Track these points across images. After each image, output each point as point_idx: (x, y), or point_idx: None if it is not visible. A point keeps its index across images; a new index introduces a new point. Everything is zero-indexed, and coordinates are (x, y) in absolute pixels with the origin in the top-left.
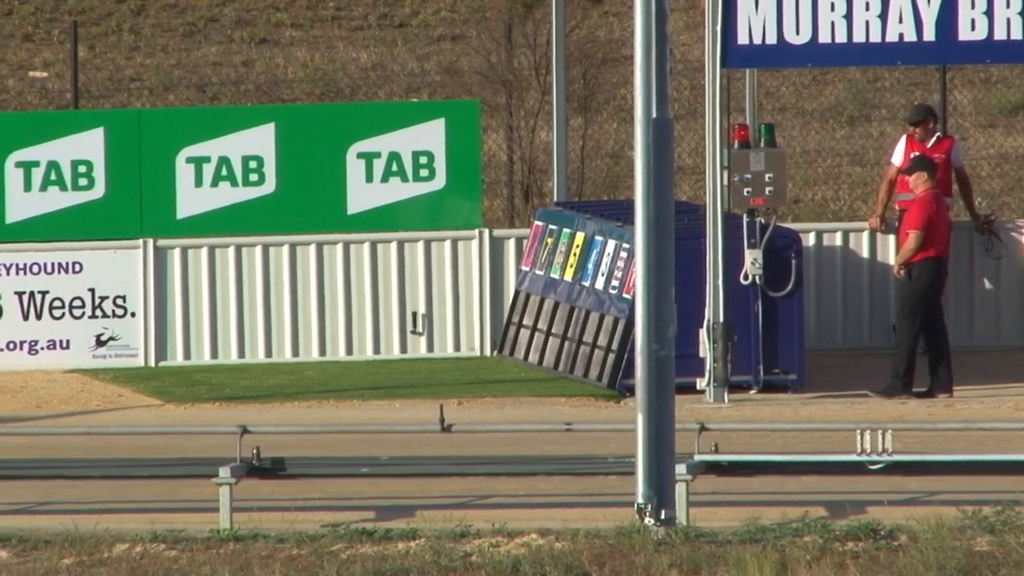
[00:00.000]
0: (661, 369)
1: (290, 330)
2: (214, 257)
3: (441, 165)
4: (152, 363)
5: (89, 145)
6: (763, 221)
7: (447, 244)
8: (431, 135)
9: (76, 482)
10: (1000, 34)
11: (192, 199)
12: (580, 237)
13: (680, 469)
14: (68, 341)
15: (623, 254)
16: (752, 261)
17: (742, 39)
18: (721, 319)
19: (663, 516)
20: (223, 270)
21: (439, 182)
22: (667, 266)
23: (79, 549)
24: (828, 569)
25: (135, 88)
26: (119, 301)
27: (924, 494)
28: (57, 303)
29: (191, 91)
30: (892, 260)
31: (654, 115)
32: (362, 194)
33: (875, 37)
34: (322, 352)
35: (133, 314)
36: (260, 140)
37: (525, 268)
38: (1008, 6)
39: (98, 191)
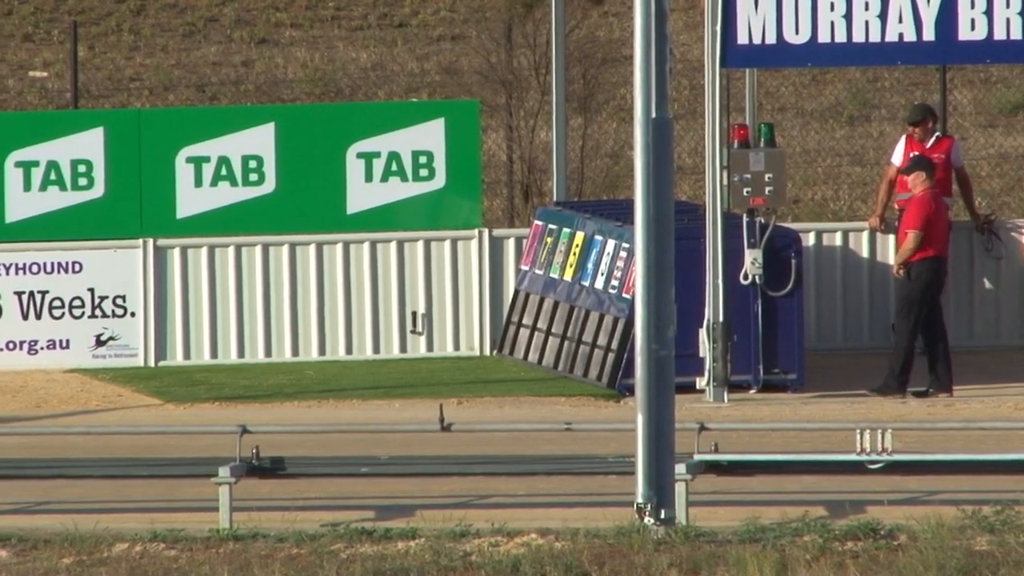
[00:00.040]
0: (661, 369)
1: (290, 330)
2: (214, 257)
3: (441, 165)
4: (152, 363)
5: (89, 145)
6: (763, 221)
7: (447, 244)
8: (431, 135)
9: (76, 482)
10: (1000, 34)
11: (192, 199)
12: (580, 237)
13: (680, 469)
14: (68, 341)
15: (623, 254)
16: (752, 261)
17: (742, 39)
18: (721, 319)
19: (663, 516)
20: (223, 270)
21: (439, 182)
22: (667, 266)
23: (79, 549)
24: (828, 569)
25: (135, 88)
26: (119, 301)
27: (924, 494)
28: (57, 303)
29: (191, 91)
30: (892, 260)
31: (654, 115)
32: (362, 194)
33: (875, 37)
34: (322, 352)
35: (133, 314)
36: (260, 140)
37: (525, 268)
38: (1008, 6)
39: (98, 191)
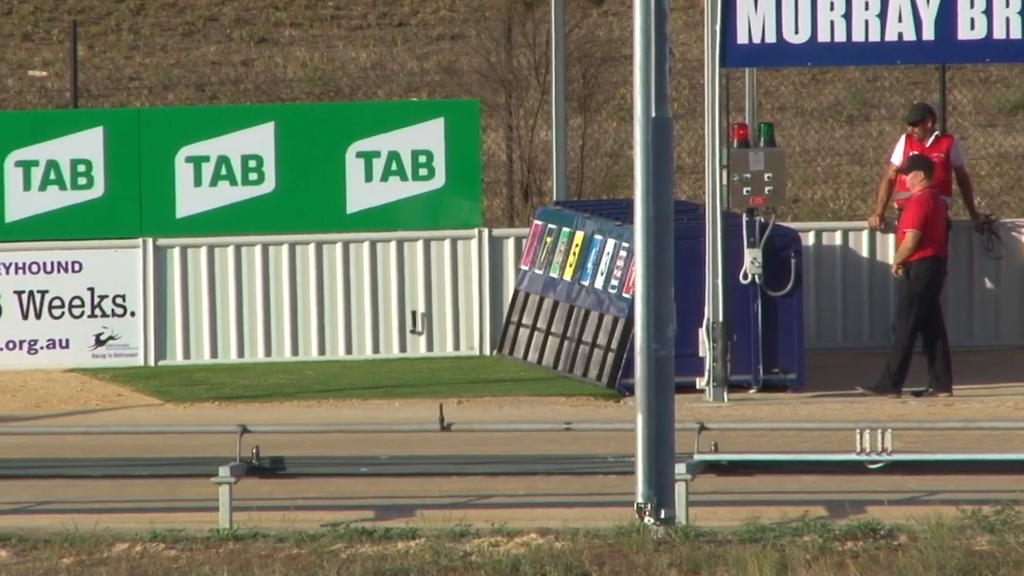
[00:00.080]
0: (661, 368)
1: (289, 329)
2: (213, 256)
3: (440, 164)
4: (151, 362)
5: (88, 144)
6: (762, 220)
7: (446, 243)
8: (430, 134)
9: (76, 481)
10: (999, 33)
11: (191, 198)
12: (579, 236)
13: (680, 468)
14: (67, 340)
15: (622, 253)
16: (751, 260)
17: (741, 38)
18: (720, 318)
19: (663, 515)
20: (222, 269)
21: (438, 181)
22: (666, 265)
23: (79, 548)
24: (828, 569)
25: (134, 87)
26: (118, 300)
27: (924, 493)
28: (56, 302)
29: (190, 90)
30: (892, 259)
31: (653, 114)
32: (361, 193)
33: (874, 36)
34: (321, 351)
35: (133, 313)
36: (259, 139)
37: (524, 267)
38: (1007, 5)
39: (97, 190)
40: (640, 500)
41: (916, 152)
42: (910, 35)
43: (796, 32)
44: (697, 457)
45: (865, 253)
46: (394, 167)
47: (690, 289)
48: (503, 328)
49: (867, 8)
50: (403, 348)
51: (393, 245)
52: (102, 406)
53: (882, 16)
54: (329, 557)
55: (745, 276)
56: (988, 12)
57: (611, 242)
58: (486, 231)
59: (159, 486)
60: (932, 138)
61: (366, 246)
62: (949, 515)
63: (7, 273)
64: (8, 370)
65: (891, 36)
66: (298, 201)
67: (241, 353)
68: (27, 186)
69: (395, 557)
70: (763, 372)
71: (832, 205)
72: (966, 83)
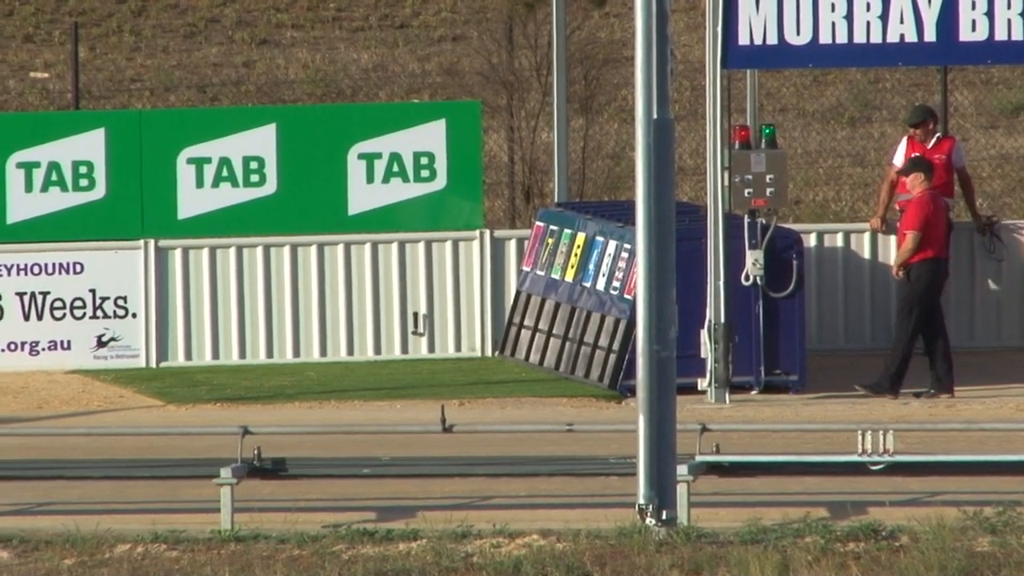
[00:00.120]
0: (662, 370)
1: (291, 331)
2: (215, 258)
3: (442, 166)
4: (153, 364)
5: (90, 146)
6: (764, 222)
7: (448, 245)
8: (432, 136)
9: (77, 483)
10: (1001, 35)
11: (193, 200)
12: (581, 238)
13: (681, 470)
14: (69, 342)
15: (624, 255)
16: (753, 262)
17: (743, 40)
18: (722, 320)
19: (664, 517)
20: (224, 271)
21: (440, 183)
22: (668, 267)
23: (80, 550)
24: (829, 570)
25: (136, 89)
26: (120, 302)
27: (925, 495)
28: (58, 304)
29: (192, 92)
30: (893, 261)
31: (655, 116)
32: (363, 195)
33: (876, 38)
34: (323, 353)
35: (134, 315)
36: (261, 141)
37: (526, 269)
38: (1009, 7)
39: (99, 192)
40: (642, 501)
41: (917, 154)
42: (912, 37)
43: (797, 33)
44: (699, 458)
45: (867, 255)
46: (396, 168)
47: (692, 291)
48: (505, 329)
49: (869, 9)
50: (405, 349)
51: (395, 246)
52: (104, 407)
53: (884, 18)
54: (331, 558)
55: (747, 278)
56: (990, 14)
57: (613, 243)
58: (488, 232)
59: (161, 487)
60: (934, 140)
61: (368, 247)
62: (951, 516)
63: (9, 274)
64: (10, 371)
65: (893, 38)
66: (300, 202)
67: (243, 354)
68: (29, 188)
69: (397, 558)
70: (765, 373)
71: (834, 207)
72: (968, 85)
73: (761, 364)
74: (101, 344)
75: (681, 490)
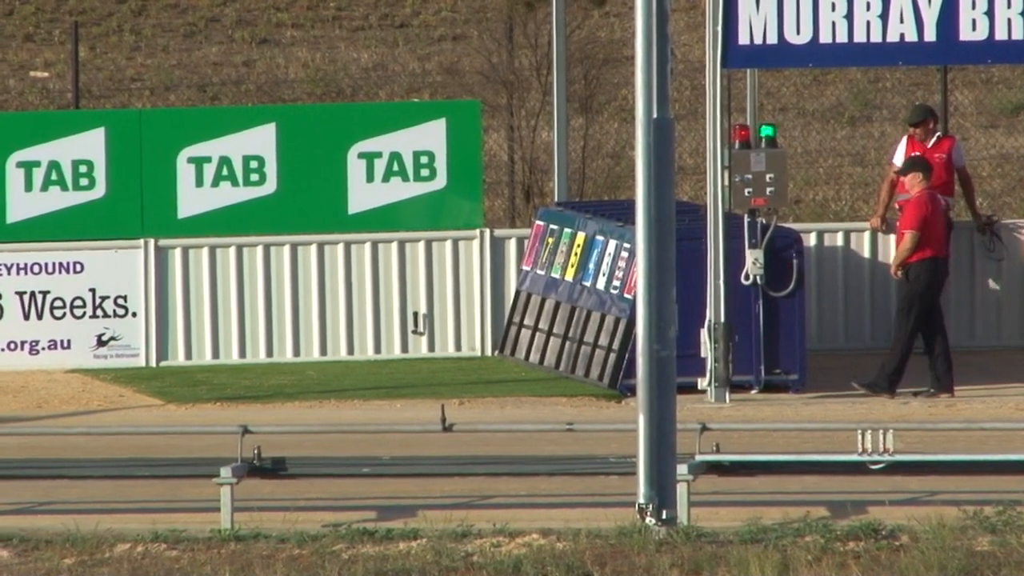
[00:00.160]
0: (662, 369)
1: (291, 330)
2: (215, 257)
3: (442, 165)
4: (153, 363)
5: (90, 145)
6: (764, 221)
7: (448, 244)
8: (432, 135)
9: (77, 482)
10: (1001, 34)
11: (193, 199)
12: (581, 237)
13: (681, 469)
14: (69, 341)
15: (624, 254)
16: (753, 261)
17: (743, 39)
18: (722, 319)
19: (664, 516)
20: (224, 270)
21: (440, 182)
22: (668, 266)
23: (80, 549)
24: (829, 569)
25: (136, 88)
26: (120, 301)
27: (925, 494)
28: (58, 303)
29: (192, 91)
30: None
31: (655, 115)
32: (363, 194)
33: (876, 37)
34: (323, 352)
35: (134, 314)
36: (261, 140)
37: (526, 268)
38: (1009, 6)
39: (99, 191)
40: (642, 501)
41: (916, 153)
42: (912, 36)
43: (798, 33)
44: (699, 458)
45: (867, 254)
46: (396, 168)
47: (692, 290)
48: (504, 329)
49: (869, 9)
50: (405, 349)
51: (395, 246)
52: (103, 407)
53: (884, 17)
54: (331, 558)
55: (747, 277)
56: (990, 13)
57: (612, 243)
58: (488, 232)
59: (161, 487)
60: (934, 139)
61: (368, 247)
62: (951, 516)
63: (9, 274)
64: (10, 371)
65: (893, 37)
66: (300, 202)
67: (243, 354)
68: (29, 187)
69: (397, 558)
70: (765, 373)
71: (834, 206)
72: (968, 84)
73: (761, 363)
74: (101, 343)
75: (681, 489)
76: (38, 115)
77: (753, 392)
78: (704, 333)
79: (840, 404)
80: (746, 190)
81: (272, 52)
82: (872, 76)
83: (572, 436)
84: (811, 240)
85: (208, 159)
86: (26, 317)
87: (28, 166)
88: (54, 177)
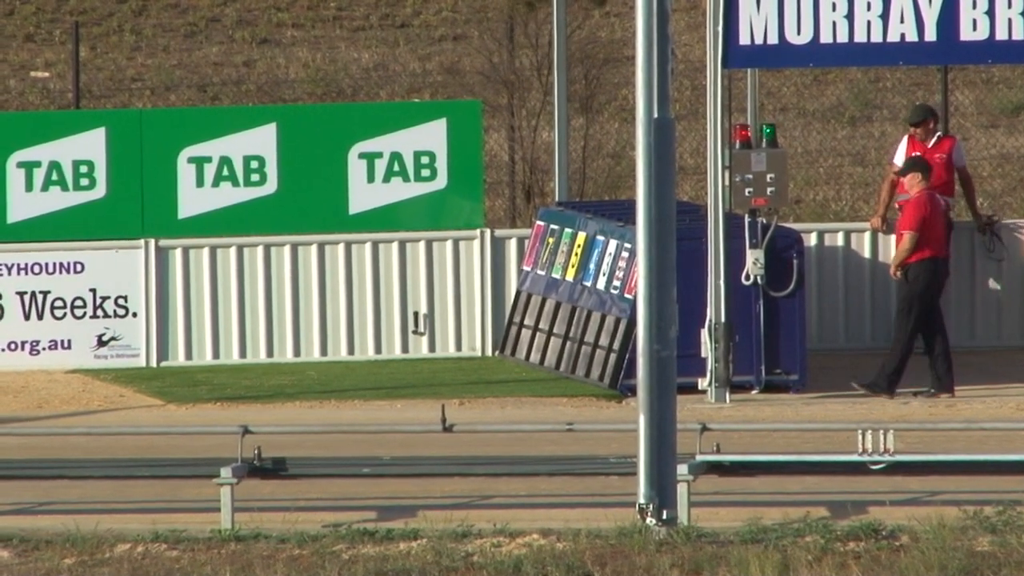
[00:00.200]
0: (663, 369)
1: (291, 330)
2: (215, 257)
3: (443, 165)
4: (153, 363)
5: (90, 145)
6: (764, 221)
7: (448, 244)
8: (433, 135)
9: (77, 482)
10: (1001, 34)
11: (193, 199)
12: (581, 237)
13: (682, 469)
14: (69, 341)
15: (624, 254)
16: (754, 261)
17: (743, 39)
18: (723, 319)
19: (665, 516)
20: (224, 270)
21: (440, 182)
22: (669, 266)
23: (80, 549)
24: (830, 569)
25: (136, 88)
26: (120, 301)
27: (926, 494)
28: (59, 303)
29: (192, 91)
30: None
31: (655, 115)
32: (364, 194)
33: (876, 37)
34: (323, 352)
35: (135, 314)
36: (262, 140)
37: (526, 268)
38: (1010, 6)
39: (99, 191)
40: (642, 501)
41: (915, 153)
42: (912, 36)
43: (798, 33)
44: (699, 458)
45: (867, 254)
46: (396, 168)
47: (692, 290)
48: (505, 329)
49: (869, 9)
50: (405, 349)
51: (395, 246)
52: (104, 407)
53: (884, 17)
54: (331, 558)
55: (747, 277)
56: (990, 13)
57: (613, 243)
58: (488, 232)
59: (161, 487)
60: (934, 139)
61: (368, 247)
62: (951, 516)
63: (9, 274)
64: (10, 371)
65: (893, 37)
66: (300, 202)
67: (243, 354)
68: (29, 187)
69: (397, 558)
70: (765, 373)
71: (834, 206)
72: (968, 84)
73: (761, 363)
74: (101, 343)
75: (681, 490)
76: (39, 115)
77: (753, 392)
78: (704, 333)
79: (840, 404)
80: (747, 190)
81: (273, 52)
82: (872, 76)
83: (572, 436)
84: (811, 240)
85: (209, 159)
86: (26, 317)
87: (29, 166)
88: (55, 177)
